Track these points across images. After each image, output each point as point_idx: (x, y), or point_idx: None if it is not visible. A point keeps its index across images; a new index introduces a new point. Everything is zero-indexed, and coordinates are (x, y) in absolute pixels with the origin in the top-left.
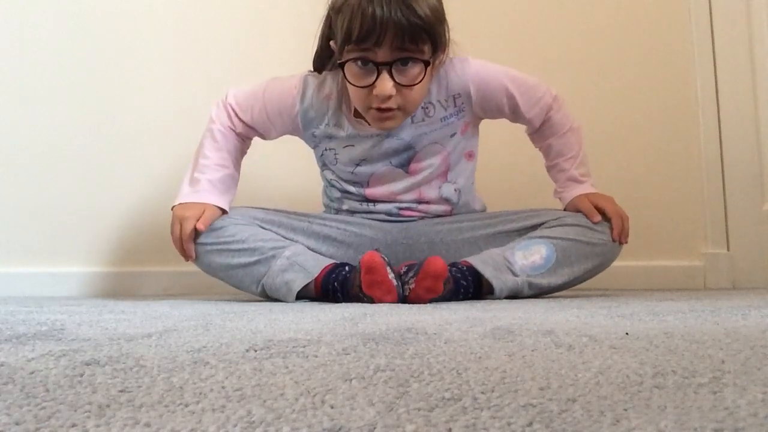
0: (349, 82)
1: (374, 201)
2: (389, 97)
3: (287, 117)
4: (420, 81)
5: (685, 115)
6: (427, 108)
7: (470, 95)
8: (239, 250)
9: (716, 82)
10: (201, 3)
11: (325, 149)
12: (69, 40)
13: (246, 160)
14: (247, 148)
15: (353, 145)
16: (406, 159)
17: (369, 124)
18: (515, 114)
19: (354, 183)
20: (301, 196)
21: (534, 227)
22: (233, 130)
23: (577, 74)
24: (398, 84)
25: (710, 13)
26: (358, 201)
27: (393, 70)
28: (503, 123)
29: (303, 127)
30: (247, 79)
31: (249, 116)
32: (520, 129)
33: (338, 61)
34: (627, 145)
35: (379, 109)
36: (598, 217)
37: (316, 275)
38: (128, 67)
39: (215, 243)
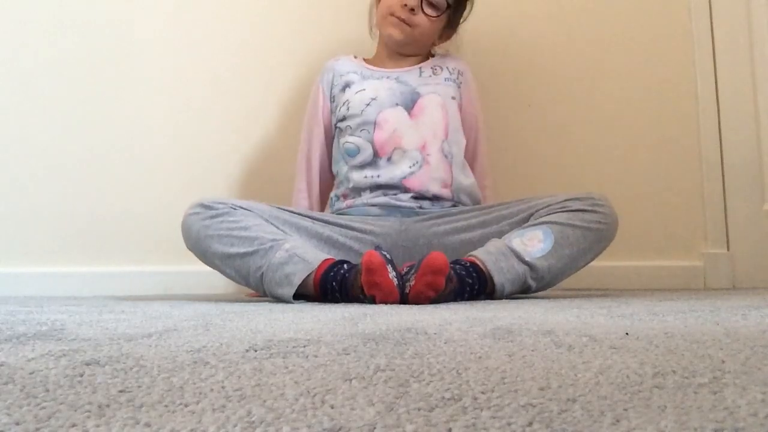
0: None
1: (378, 158)
2: (412, 10)
3: (320, 98)
4: (438, 16)
5: (685, 115)
6: (435, 69)
7: (464, 74)
8: (240, 237)
9: (716, 82)
10: (206, 4)
11: (341, 104)
12: (71, 39)
13: (250, 157)
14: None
15: (365, 89)
16: (411, 101)
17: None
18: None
19: (363, 129)
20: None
21: (528, 219)
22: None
23: (578, 74)
24: (422, 8)
25: (710, 13)
26: (363, 169)
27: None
28: (505, 115)
29: (327, 89)
30: (250, 80)
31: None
32: (521, 125)
33: None
34: (627, 145)
35: (397, 17)
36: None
37: (316, 267)
38: (129, 66)
39: (218, 228)
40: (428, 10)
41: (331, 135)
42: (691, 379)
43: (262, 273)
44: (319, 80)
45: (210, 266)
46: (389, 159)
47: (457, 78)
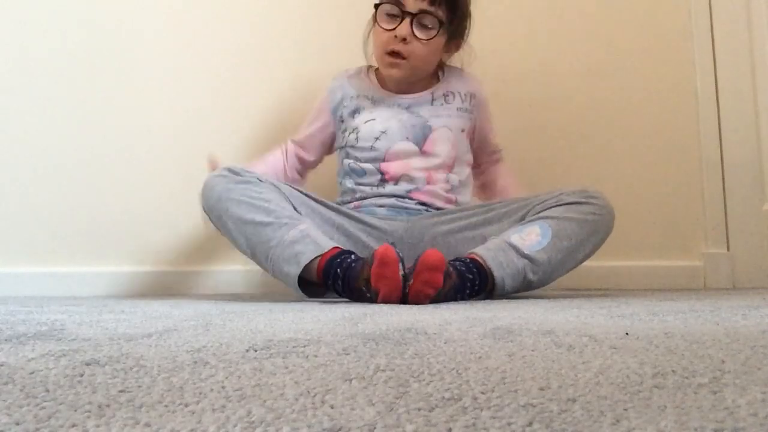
0: (378, 24)
1: (385, 181)
2: (404, 40)
3: (325, 109)
4: (431, 38)
5: (685, 115)
6: (447, 96)
7: (476, 96)
8: (259, 207)
9: (716, 82)
10: (206, 4)
11: (350, 130)
12: (71, 39)
13: (250, 157)
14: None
15: (375, 119)
16: (422, 137)
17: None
18: (482, 137)
19: (372, 161)
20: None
21: (526, 216)
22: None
23: (578, 74)
24: (414, 35)
25: (710, 13)
26: (369, 186)
27: (414, 23)
28: (505, 115)
29: (335, 109)
30: (250, 80)
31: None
32: (521, 125)
33: (375, 3)
34: (627, 145)
35: (391, 53)
36: None
37: (326, 250)
38: (129, 66)
39: (241, 193)
40: (420, 34)
41: (328, 147)
42: (691, 379)
43: (272, 247)
44: (327, 97)
45: (221, 230)
46: (396, 183)
47: (470, 104)
